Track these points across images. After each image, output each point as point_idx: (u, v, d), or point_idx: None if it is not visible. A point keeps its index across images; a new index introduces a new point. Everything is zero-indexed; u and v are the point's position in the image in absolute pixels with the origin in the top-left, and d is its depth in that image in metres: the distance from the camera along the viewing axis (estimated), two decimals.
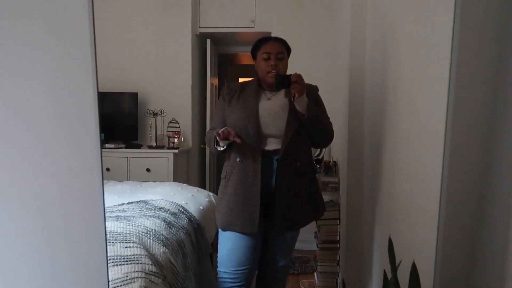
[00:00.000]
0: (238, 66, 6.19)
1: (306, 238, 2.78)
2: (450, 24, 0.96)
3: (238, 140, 1.60)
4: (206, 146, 1.81)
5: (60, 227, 0.95)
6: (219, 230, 1.79)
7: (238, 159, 1.69)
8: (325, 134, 1.79)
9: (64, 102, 0.92)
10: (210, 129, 1.86)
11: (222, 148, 1.70)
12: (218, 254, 1.80)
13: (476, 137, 0.94)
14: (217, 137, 1.65)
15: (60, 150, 0.93)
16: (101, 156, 0.92)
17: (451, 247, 0.97)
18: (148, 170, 3.42)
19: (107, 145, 3.48)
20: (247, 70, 5.99)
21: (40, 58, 0.89)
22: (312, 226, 1.99)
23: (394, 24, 1.80)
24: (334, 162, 2.94)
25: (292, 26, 3.60)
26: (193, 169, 4.00)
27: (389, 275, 1.13)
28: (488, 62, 0.93)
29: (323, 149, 3.26)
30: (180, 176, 3.60)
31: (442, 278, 0.99)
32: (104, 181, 2.77)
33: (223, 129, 1.63)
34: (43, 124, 0.91)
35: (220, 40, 4.25)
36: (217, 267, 1.81)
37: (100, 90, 3.26)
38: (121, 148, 3.51)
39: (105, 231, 0.95)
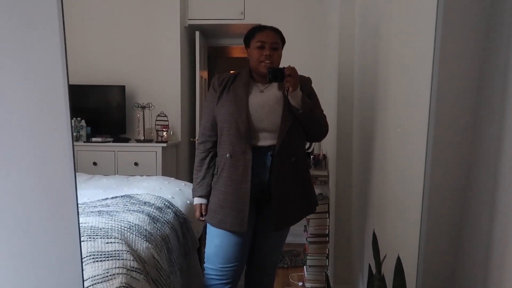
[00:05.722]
0: (228, 58, 6.13)
1: (296, 232, 2.76)
2: (434, 19, 0.93)
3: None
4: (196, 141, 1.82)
5: (31, 222, 0.91)
6: (208, 225, 1.75)
7: (227, 155, 1.64)
8: (320, 128, 1.75)
9: (34, 95, 0.88)
10: (200, 125, 1.80)
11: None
12: (205, 250, 1.76)
13: (459, 133, 0.92)
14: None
15: (30, 144, 0.89)
16: (73, 150, 0.89)
17: (435, 241, 0.95)
18: (136, 164, 3.37)
19: (94, 139, 3.42)
20: (238, 63, 5.93)
21: (7, 50, 0.84)
22: (301, 220, 1.98)
23: (383, 16, 1.77)
24: (324, 155, 2.92)
25: (282, 18, 3.55)
26: (182, 163, 3.95)
27: (374, 270, 1.11)
28: (471, 58, 0.90)
29: (313, 143, 3.24)
30: (169, 170, 3.56)
31: (426, 271, 0.98)
32: (90, 175, 2.72)
33: (201, 215, 1.75)
34: (10, 118, 0.86)
35: (209, 32, 4.19)
36: (204, 262, 1.78)
37: (86, 83, 3.22)
38: (109, 142, 3.45)
39: (79, 225, 0.92)
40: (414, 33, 1.31)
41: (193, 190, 1.77)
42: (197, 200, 1.75)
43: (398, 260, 1.03)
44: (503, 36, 0.83)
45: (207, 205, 1.74)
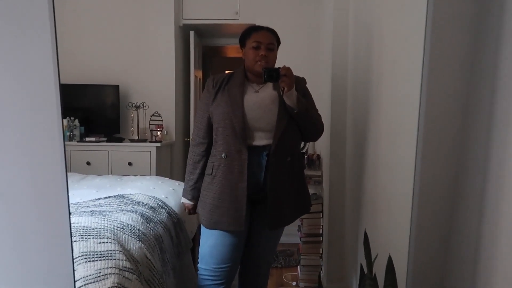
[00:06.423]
0: (223, 58, 6.13)
1: (290, 232, 2.75)
2: (424, 19, 0.94)
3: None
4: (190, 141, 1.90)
5: (22, 221, 0.91)
6: (202, 226, 1.75)
7: (223, 155, 1.64)
8: (315, 128, 1.75)
9: (24, 94, 0.87)
10: (194, 126, 1.80)
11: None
12: (199, 250, 1.75)
13: (449, 133, 0.93)
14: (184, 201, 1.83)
15: (21, 143, 0.89)
16: (65, 150, 0.88)
17: (425, 240, 0.96)
18: (130, 164, 3.36)
19: (87, 139, 3.40)
20: (233, 63, 5.92)
21: None
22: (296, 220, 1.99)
23: (376, 18, 1.78)
24: (318, 155, 2.93)
25: (276, 18, 3.56)
26: (177, 163, 3.95)
27: (366, 269, 1.11)
28: (461, 59, 0.91)
29: (308, 143, 3.25)
30: (163, 170, 3.55)
31: (416, 270, 0.98)
32: (83, 175, 2.71)
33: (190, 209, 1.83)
34: (2, 117, 0.86)
35: (204, 32, 4.18)
36: (198, 262, 1.77)
37: (81, 83, 3.21)
38: (102, 141, 3.44)
39: (70, 226, 0.91)
40: (406, 34, 1.32)
41: (184, 191, 1.82)
42: (185, 200, 1.84)
43: (389, 260, 1.04)
44: (492, 37, 0.84)
45: (194, 205, 1.81)
